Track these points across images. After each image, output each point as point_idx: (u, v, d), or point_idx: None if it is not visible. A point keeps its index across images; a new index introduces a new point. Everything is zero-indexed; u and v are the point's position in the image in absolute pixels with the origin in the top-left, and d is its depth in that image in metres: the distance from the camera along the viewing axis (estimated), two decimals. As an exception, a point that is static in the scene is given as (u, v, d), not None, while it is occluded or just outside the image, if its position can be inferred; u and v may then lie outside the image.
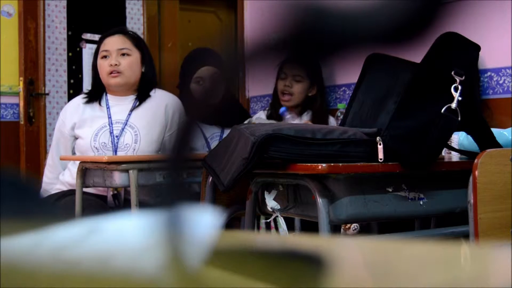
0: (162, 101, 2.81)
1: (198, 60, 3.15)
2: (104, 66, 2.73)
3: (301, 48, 0.31)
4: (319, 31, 0.30)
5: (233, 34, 5.00)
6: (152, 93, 2.81)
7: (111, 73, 2.72)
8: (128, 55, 2.75)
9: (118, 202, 2.71)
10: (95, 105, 2.78)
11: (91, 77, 2.87)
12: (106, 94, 2.80)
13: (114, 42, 2.76)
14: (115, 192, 2.70)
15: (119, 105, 2.77)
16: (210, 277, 0.33)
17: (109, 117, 2.74)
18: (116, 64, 2.72)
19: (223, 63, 0.32)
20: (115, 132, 2.72)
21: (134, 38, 2.82)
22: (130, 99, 2.79)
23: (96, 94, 2.80)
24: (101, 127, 2.73)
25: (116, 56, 2.73)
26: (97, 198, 2.72)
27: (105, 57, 2.74)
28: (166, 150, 0.32)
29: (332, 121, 3.19)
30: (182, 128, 0.32)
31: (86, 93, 2.84)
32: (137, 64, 2.77)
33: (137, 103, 2.77)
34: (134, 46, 2.78)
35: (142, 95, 2.79)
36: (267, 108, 3.36)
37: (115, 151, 2.71)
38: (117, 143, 2.71)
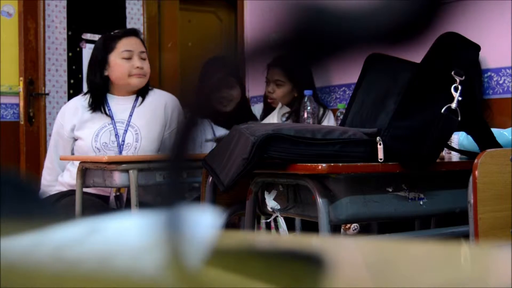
0: (161, 100, 2.84)
1: (215, 68, 3.18)
2: (125, 67, 2.75)
3: (301, 48, 0.31)
4: (319, 31, 0.30)
5: (233, 34, 5.01)
6: (151, 92, 2.83)
7: (136, 74, 2.75)
8: (145, 59, 2.81)
9: (120, 203, 2.72)
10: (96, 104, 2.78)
11: (94, 73, 2.80)
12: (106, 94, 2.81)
13: (136, 44, 2.80)
14: (118, 193, 2.71)
15: (119, 105, 2.78)
16: (210, 277, 0.33)
17: (112, 118, 2.75)
18: (142, 67, 2.77)
19: (225, 63, 0.32)
20: (118, 132, 2.74)
21: (143, 41, 2.89)
22: (130, 99, 2.80)
23: (100, 97, 2.78)
24: (102, 127, 2.74)
25: (139, 59, 2.77)
26: (99, 198, 2.72)
27: (127, 57, 2.75)
28: (166, 149, 0.32)
29: (331, 120, 3.21)
30: (183, 128, 0.32)
31: (90, 94, 2.82)
32: (148, 67, 2.84)
33: (138, 103, 2.80)
34: (145, 49, 2.85)
35: (143, 94, 2.82)
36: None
37: (120, 151, 2.73)
38: (123, 142, 2.73)
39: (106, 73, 2.76)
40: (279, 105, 3.24)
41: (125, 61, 2.74)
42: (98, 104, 2.76)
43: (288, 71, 3.19)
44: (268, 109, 3.34)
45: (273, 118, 3.20)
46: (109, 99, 2.79)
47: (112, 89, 2.79)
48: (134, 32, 2.86)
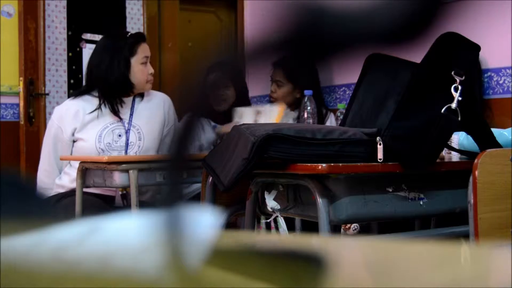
0: (159, 99, 2.91)
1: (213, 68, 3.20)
2: (144, 72, 2.79)
3: (301, 48, 0.31)
4: (319, 31, 0.30)
5: (233, 34, 5.00)
6: (146, 93, 2.87)
7: (150, 80, 2.81)
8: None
9: (126, 202, 2.73)
10: (95, 104, 2.78)
11: (119, 72, 2.74)
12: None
13: (148, 50, 2.84)
14: (124, 191, 2.72)
15: (120, 106, 2.79)
16: (210, 277, 0.33)
17: (121, 118, 2.78)
18: (153, 73, 2.83)
19: (225, 63, 0.32)
20: (121, 132, 2.77)
21: None
22: (129, 100, 2.82)
23: (120, 97, 2.78)
24: (104, 128, 2.75)
25: (150, 65, 2.83)
26: (103, 198, 2.73)
27: (144, 63, 2.79)
28: (166, 149, 0.32)
29: (333, 121, 3.21)
30: (182, 128, 0.32)
31: (107, 104, 2.79)
32: None
33: (136, 103, 2.82)
34: None
35: (140, 95, 2.86)
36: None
37: (126, 150, 2.75)
38: (127, 141, 2.76)
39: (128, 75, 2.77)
40: (287, 110, 3.25)
41: (143, 66, 2.78)
42: (115, 105, 2.76)
43: (289, 71, 3.20)
44: None
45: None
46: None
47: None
48: (145, 38, 2.91)
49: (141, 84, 2.78)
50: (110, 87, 2.73)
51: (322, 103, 3.31)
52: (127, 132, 2.77)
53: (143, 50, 2.80)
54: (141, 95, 2.86)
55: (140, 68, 2.77)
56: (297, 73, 3.24)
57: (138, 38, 2.83)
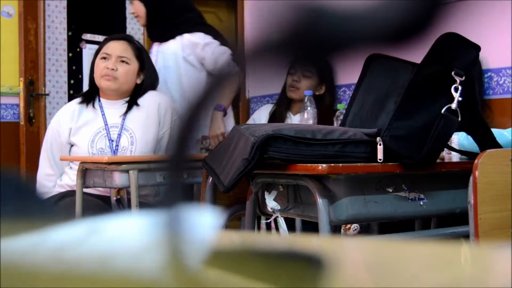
0: (154, 101, 2.83)
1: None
2: (100, 67, 2.75)
3: (301, 48, 0.31)
4: (319, 31, 0.30)
5: (233, 34, 5.00)
6: (144, 95, 2.83)
7: (105, 75, 2.74)
8: (126, 63, 2.77)
9: (122, 206, 2.72)
10: (89, 109, 2.78)
11: (90, 75, 2.87)
12: (99, 98, 2.81)
13: (117, 48, 2.79)
14: (118, 196, 2.70)
15: (111, 108, 2.78)
16: (210, 277, 0.33)
17: (106, 123, 2.75)
18: (113, 69, 2.74)
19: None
20: (112, 137, 2.73)
21: (137, 48, 2.84)
22: (121, 103, 2.79)
23: (91, 96, 2.81)
24: (96, 132, 2.73)
25: (115, 62, 2.75)
26: (103, 199, 2.72)
27: (104, 58, 2.75)
28: (166, 150, 0.32)
29: None
30: (182, 128, 0.32)
31: (81, 95, 2.86)
32: (132, 74, 2.80)
33: (128, 108, 2.78)
34: (134, 56, 2.80)
35: (133, 101, 2.81)
36: (273, 102, 3.38)
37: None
38: (117, 147, 2.72)
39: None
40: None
41: (101, 61, 2.76)
42: (89, 98, 2.78)
43: (318, 66, 3.15)
44: (286, 102, 3.27)
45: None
46: (102, 103, 2.79)
47: (101, 93, 2.81)
48: (124, 37, 2.88)
49: (97, 80, 2.77)
50: (88, 89, 2.84)
51: (334, 100, 3.27)
52: (118, 136, 2.74)
53: (106, 47, 2.78)
54: (135, 97, 2.82)
55: (96, 64, 2.78)
56: (328, 69, 3.19)
57: (109, 38, 2.85)
